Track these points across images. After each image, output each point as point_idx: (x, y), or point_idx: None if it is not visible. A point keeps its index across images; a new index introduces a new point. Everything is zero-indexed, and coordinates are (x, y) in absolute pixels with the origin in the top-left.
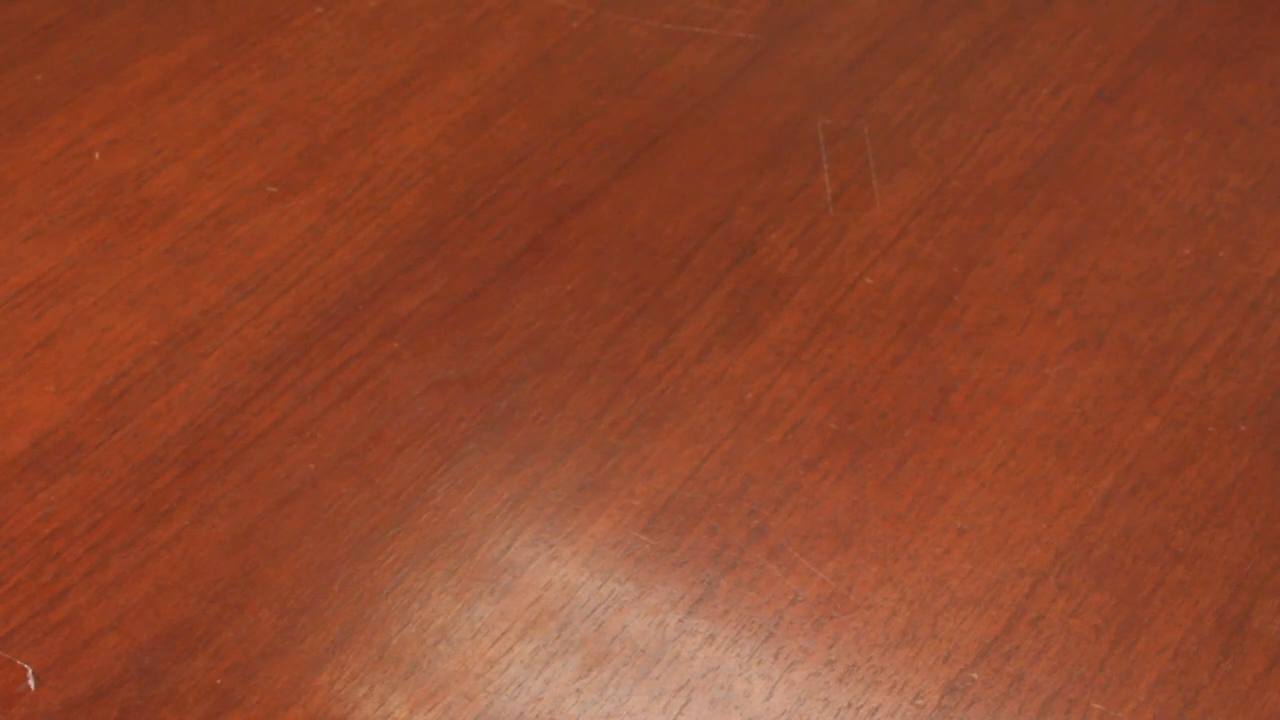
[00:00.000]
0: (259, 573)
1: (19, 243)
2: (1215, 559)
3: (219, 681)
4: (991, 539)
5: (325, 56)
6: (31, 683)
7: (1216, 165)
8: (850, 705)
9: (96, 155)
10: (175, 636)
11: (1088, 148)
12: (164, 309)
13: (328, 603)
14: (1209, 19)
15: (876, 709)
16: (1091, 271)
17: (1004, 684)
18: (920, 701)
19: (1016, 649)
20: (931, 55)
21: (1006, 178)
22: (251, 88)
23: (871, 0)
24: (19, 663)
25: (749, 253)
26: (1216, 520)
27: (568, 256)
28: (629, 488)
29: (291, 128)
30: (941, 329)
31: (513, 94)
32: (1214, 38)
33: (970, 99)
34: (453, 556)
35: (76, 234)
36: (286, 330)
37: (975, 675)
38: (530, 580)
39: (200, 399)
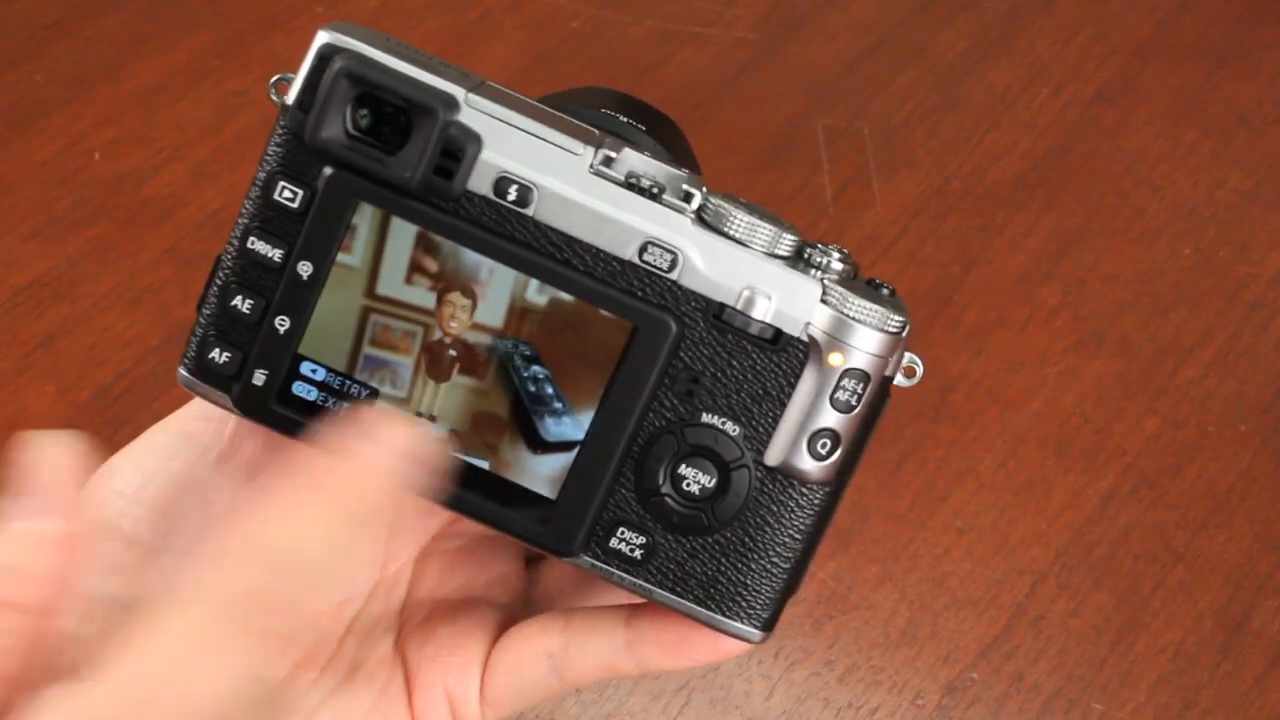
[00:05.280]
0: None
1: (19, 243)
2: (1215, 559)
3: None
4: (991, 539)
5: None
6: None
7: (1216, 165)
8: (850, 705)
9: (96, 155)
10: None
11: (1088, 148)
12: (164, 309)
13: None
14: (1209, 19)
15: (876, 709)
16: (1091, 271)
17: (1004, 684)
18: (920, 701)
19: (1016, 649)
20: (931, 55)
21: (1006, 178)
22: (251, 88)
23: (871, 0)
24: None
25: None
26: (1216, 520)
27: None
28: None
29: None
30: (941, 329)
31: None
32: (1214, 38)
33: (970, 99)
34: None
35: (76, 234)
36: None
37: (975, 675)
38: None
39: None
